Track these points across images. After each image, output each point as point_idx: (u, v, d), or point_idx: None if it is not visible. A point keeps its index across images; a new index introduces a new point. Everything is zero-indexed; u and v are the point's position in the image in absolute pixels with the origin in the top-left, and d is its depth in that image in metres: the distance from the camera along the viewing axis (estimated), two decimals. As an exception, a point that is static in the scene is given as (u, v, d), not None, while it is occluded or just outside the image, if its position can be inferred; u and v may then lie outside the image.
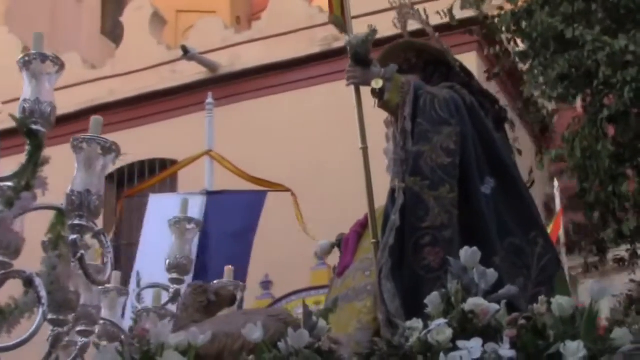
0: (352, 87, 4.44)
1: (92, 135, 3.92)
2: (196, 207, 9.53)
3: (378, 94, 4.31)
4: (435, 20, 5.27)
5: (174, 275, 5.03)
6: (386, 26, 4.91)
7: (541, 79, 4.56)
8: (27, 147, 4.04)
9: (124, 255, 11.72)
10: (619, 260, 5.22)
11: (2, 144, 12.32)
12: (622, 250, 4.73)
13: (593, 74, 4.33)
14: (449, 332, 3.58)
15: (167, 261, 5.09)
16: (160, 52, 12.40)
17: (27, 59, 4.04)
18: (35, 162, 3.93)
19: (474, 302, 3.67)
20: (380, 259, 4.02)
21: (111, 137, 12.29)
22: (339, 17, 4.57)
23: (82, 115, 12.35)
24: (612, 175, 4.38)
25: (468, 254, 3.79)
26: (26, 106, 4.01)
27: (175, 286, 5.01)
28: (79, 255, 3.81)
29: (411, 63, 4.67)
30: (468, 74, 4.63)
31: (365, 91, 4.39)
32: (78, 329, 4.71)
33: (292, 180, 9.15)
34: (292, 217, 8.95)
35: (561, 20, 4.39)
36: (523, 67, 4.63)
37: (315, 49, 11.80)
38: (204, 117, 10.22)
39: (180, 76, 12.19)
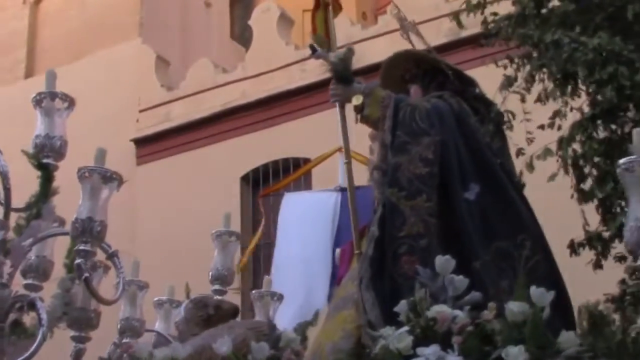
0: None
1: (94, 166, 4.39)
2: (330, 205, 10.01)
3: (359, 109, 4.68)
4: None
5: (217, 287, 5.52)
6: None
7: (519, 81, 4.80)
8: (39, 179, 4.58)
9: (264, 255, 12.31)
10: (620, 258, 5.30)
11: (141, 151, 13.21)
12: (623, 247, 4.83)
13: (570, 75, 4.53)
14: (408, 340, 3.89)
15: (210, 273, 5.59)
16: (289, 52, 12.93)
17: (38, 97, 4.57)
18: (45, 193, 4.47)
19: (437, 309, 3.98)
20: (360, 269, 4.38)
21: (245, 139, 13.19)
22: (322, 37, 4.95)
23: (216, 119, 13.12)
24: (600, 175, 4.54)
25: (441, 261, 4.12)
26: (37, 141, 4.55)
27: (218, 297, 5.51)
28: (84, 277, 4.32)
29: (412, 72, 5.00)
30: (465, 81, 4.90)
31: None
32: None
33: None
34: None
35: (535, 27, 4.62)
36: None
37: (442, 40, 11.99)
38: (335, 114, 10.53)
39: (310, 75, 12.62)
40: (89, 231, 4.35)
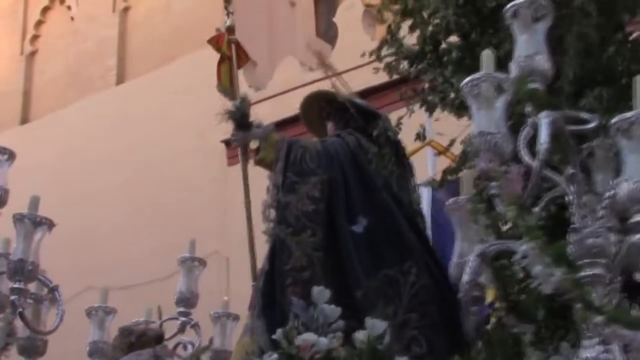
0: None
1: (25, 213, 5.32)
2: (423, 200, 10.66)
3: (256, 153, 5.44)
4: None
5: (182, 309, 6.39)
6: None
7: None
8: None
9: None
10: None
11: (232, 152, 14.19)
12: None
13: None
14: (275, 365, 4.68)
15: (175, 296, 6.45)
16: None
17: (-21, 152, 5.49)
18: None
19: (302, 337, 4.73)
20: (254, 299, 5.17)
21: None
22: (226, 87, 5.72)
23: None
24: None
25: (316, 292, 4.86)
26: (-22, 191, 5.45)
27: (182, 318, 6.38)
28: (18, 311, 5.27)
29: (326, 111, 5.73)
30: (370, 116, 5.59)
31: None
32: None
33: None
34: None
35: (428, 65, 5.27)
36: None
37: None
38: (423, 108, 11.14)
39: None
40: (21, 271, 5.26)
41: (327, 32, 14.72)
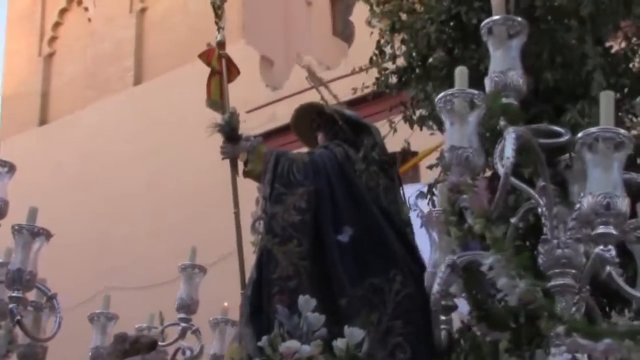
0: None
1: (24, 224, 5.58)
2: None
3: (245, 165, 5.68)
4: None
5: (182, 315, 6.64)
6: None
7: None
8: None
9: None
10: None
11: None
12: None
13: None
14: (260, 372, 4.93)
15: (176, 302, 6.70)
16: (392, 47, 13.73)
17: (-22, 165, 5.75)
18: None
19: (286, 345, 4.98)
20: (242, 307, 5.42)
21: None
22: (217, 101, 5.96)
23: (323, 115, 14.11)
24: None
25: (302, 301, 5.10)
26: (-20, 202, 5.72)
27: (183, 324, 6.63)
28: (16, 319, 5.55)
29: (317, 122, 5.96)
30: (360, 128, 5.80)
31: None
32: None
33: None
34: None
35: (416, 79, 5.48)
36: None
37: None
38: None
39: (415, 67, 13.38)
40: (19, 280, 5.53)
41: (344, 31, 14.91)
